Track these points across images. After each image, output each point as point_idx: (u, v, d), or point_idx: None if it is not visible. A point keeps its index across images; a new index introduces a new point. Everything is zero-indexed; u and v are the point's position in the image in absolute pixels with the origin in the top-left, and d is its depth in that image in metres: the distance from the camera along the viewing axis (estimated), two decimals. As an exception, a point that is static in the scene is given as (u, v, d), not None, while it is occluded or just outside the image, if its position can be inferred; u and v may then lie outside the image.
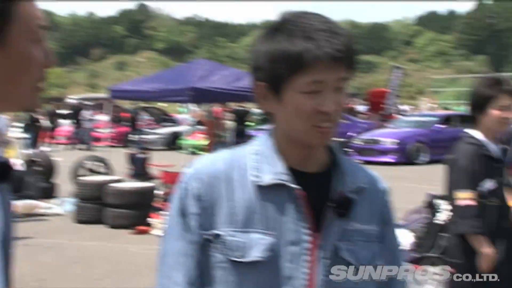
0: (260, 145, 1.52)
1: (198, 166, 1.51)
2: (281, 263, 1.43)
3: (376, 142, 18.38)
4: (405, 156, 17.94)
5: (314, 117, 1.40)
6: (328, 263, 1.45)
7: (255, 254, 1.42)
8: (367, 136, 19.31)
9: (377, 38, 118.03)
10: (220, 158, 1.51)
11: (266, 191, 1.45)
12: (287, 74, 1.38)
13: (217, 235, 1.44)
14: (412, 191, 11.39)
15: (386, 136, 18.58)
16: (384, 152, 18.11)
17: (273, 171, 1.46)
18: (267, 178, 1.45)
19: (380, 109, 25.87)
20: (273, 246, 1.43)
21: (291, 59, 1.37)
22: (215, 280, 1.45)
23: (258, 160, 1.48)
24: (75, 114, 24.72)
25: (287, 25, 1.40)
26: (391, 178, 15.04)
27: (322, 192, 1.47)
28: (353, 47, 1.40)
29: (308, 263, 1.44)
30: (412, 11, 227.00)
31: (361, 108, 30.73)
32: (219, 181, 1.47)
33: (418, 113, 27.19)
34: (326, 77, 1.38)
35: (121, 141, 25.25)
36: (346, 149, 19.89)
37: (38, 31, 1.15)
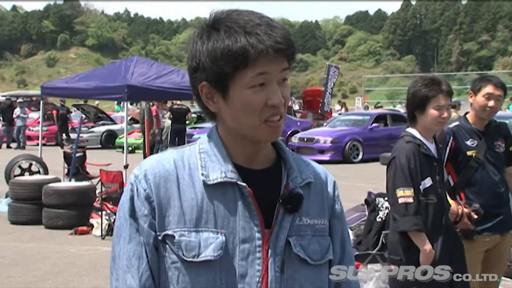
0: (206, 143, 1.52)
1: (146, 167, 1.49)
2: (234, 261, 1.44)
3: (313, 140, 18.66)
4: (341, 154, 18.29)
5: (263, 112, 1.41)
6: (280, 259, 1.46)
7: (208, 253, 1.43)
8: (304, 134, 19.58)
9: (310, 37, 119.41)
10: (168, 158, 1.51)
11: (215, 190, 1.46)
12: (232, 70, 1.38)
13: (169, 236, 1.44)
14: (350, 189, 11.62)
15: (322, 135, 18.88)
16: (321, 150, 18.41)
17: (220, 169, 1.47)
18: (214, 177, 1.46)
19: (315, 107, 26.27)
20: (225, 244, 1.44)
21: (235, 55, 1.37)
22: (170, 281, 1.45)
23: (205, 159, 1.49)
24: (6, 111, 23.91)
25: (225, 23, 1.41)
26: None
27: (270, 188, 1.48)
28: (291, 38, 1.42)
29: (260, 260, 1.45)
30: (341, 11, 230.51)
31: (296, 106, 31.11)
32: (167, 181, 1.47)
33: (353, 112, 27.74)
34: (271, 68, 1.40)
35: (54, 139, 24.74)
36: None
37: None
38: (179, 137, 17.68)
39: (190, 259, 1.43)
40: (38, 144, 13.30)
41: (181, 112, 17.98)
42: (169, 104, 19.13)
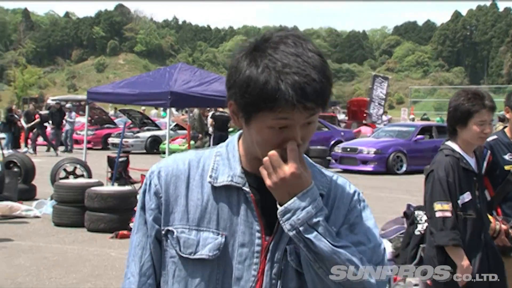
0: (224, 147, 1.58)
1: (162, 164, 1.59)
2: (231, 263, 1.49)
3: (356, 150, 18.51)
4: (385, 165, 18.10)
5: (280, 146, 1.43)
6: (277, 267, 1.49)
7: (204, 252, 1.49)
8: (347, 144, 19.45)
9: (357, 46, 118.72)
10: (184, 158, 1.58)
11: (220, 192, 1.52)
12: (256, 109, 1.40)
13: (170, 231, 1.52)
14: (392, 201, 11.50)
15: (366, 145, 18.71)
16: (364, 161, 18.26)
17: (229, 173, 1.52)
18: (222, 180, 1.52)
19: (360, 117, 26.09)
20: (223, 246, 1.49)
21: (263, 97, 1.37)
22: (168, 273, 1.54)
23: (218, 162, 1.55)
24: (55, 115, 24.41)
25: (266, 54, 1.40)
26: (370, 187, 15.22)
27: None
28: (324, 90, 1.40)
29: (257, 265, 1.48)
30: (389, 21, 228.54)
31: (341, 116, 30.97)
32: (178, 180, 1.54)
33: (398, 123, 27.42)
34: (295, 116, 1.40)
35: (100, 143, 25.17)
36: (326, 157, 20.01)
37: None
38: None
39: (186, 256, 1.50)
40: (83, 148, 13.53)
41: (224, 119, 18.06)
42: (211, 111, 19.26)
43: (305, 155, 1.55)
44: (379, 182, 15.91)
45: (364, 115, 25.68)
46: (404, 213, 6.01)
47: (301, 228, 1.41)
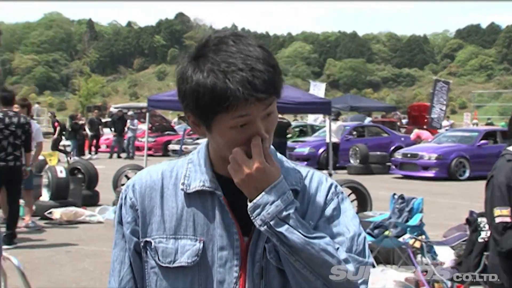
0: (195, 154, 1.59)
1: (136, 178, 1.61)
2: (213, 268, 1.50)
3: (417, 156, 18.21)
4: (447, 171, 17.74)
5: (246, 144, 1.44)
6: (259, 266, 1.49)
7: (182, 259, 1.50)
8: (408, 150, 19.17)
9: (417, 51, 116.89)
10: (157, 169, 1.61)
11: (194, 198, 1.53)
12: (212, 115, 1.42)
13: (148, 242, 1.54)
14: (454, 208, 11.26)
15: (427, 151, 18.39)
16: (425, 167, 17.94)
17: (201, 178, 1.53)
18: (194, 185, 1.53)
19: (421, 123, 25.64)
20: (202, 251, 1.50)
21: (214, 100, 1.39)
22: (150, 284, 1.54)
23: (190, 169, 1.56)
24: (117, 122, 24.98)
25: (209, 59, 1.41)
26: (432, 193, 14.94)
27: None
28: (272, 78, 1.40)
29: (238, 267, 1.49)
30: (451, 24, 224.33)
31: (402, 121, 30.50)
32: (153, 191, 1.56)
33: (461, 128, 26.83)
34: (252, 111, 1.41)
35: (160, 150, 25.59)
36: (386, 163, 19.77)
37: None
38: (280, 151, 17.64)
39: (166, 265, 1.51)
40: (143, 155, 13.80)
41: (282, 125, 18.03)
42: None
43: (283, 158, 1.59)
44: (440, 188, 15.61)
45: (425, 120, 25.22)
46: (467, 220, 5.88)
47: (271, 222, 1.40)
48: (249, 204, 1.43)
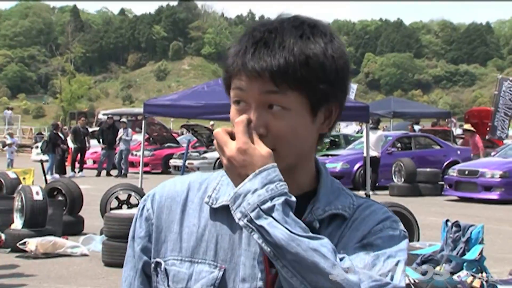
0: None
1: (159, 186, 1.64)
2: None
3: (477, 174, 18.09)
4: (514, 192, 17.61)
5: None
6: None
7: None
8: (465, 166, 19.06)
9: (478, 43, 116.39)
10: (185, 179, 1.63)
11: (220, 215, 1.53)
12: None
13: (159, 264, 1.56)
14: (522, 238, 11.16)
15: (489, 167, 18.27)
16: (487, 187, 17.81)
17: (230, 192, 1.48)
18: (222, 200, 1.53)
19: (482, 132, 25.48)
20: (219, 281, 1.50)
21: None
22: None
23: (222, 182, 1.57)
24: (106, 132, 24.99)
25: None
26: (495, 220, 14.82)
27: None
28: (288, 63, 1.45)
29: None
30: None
31: (458, 131, 30.34)
32: (174, 202, 1.58)
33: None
34: (247, 86, 1.47)
35: (159, 166, 25.62)
36: (438, 182, 19.64)
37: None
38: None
39: None
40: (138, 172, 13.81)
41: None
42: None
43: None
44: (507, 213, 15.48)
45: (487, 128, 25.08)
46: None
47: (252, 214, 1.37)
48: (230, 195, 1.43)
